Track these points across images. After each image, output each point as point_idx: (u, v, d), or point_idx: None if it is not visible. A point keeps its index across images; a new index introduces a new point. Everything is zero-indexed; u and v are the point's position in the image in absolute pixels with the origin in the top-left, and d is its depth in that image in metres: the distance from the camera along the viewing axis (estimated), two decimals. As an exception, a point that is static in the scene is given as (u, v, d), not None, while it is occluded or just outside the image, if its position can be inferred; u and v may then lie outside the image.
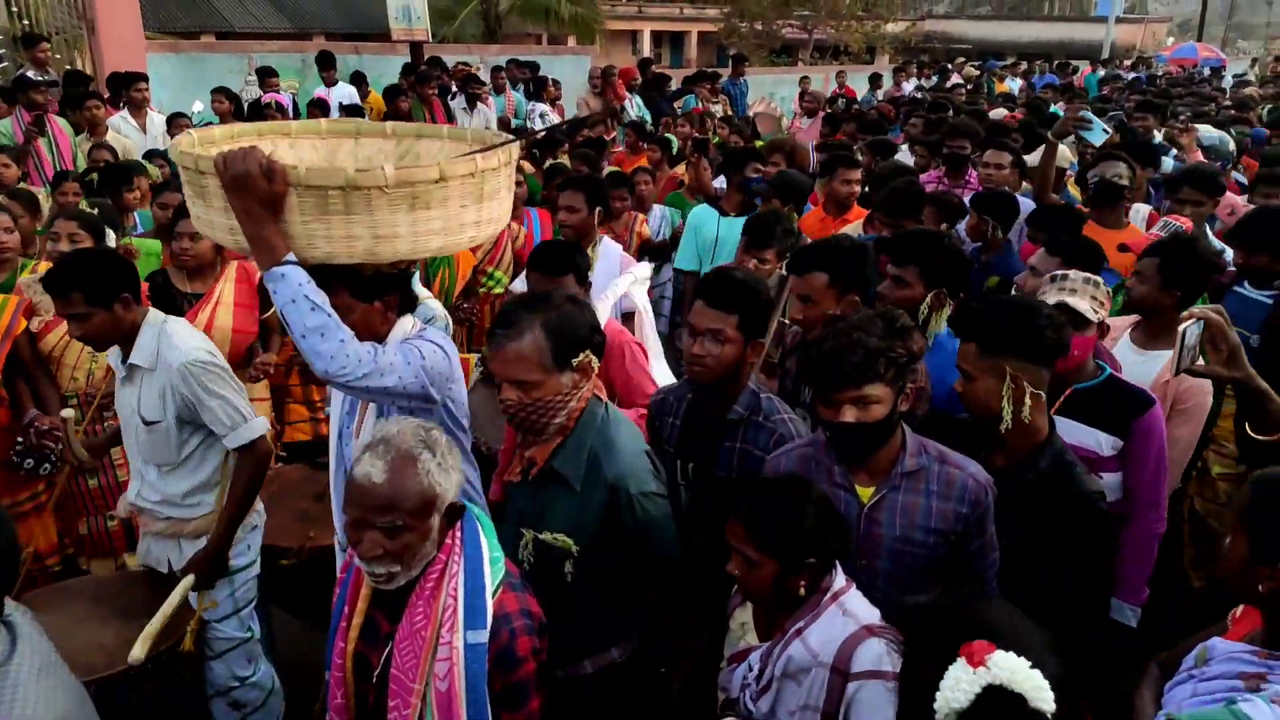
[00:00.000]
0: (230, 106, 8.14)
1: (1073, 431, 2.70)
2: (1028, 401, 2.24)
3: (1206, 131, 6.30)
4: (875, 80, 14.99)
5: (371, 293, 2.32)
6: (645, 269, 4.02)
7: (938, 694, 1.51)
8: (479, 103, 9.77)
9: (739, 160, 5.44)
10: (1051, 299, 2.71)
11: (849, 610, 1.95)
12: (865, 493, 2.19)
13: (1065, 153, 5.60)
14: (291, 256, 2.03)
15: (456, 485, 1.88)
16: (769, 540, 1.91)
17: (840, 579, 2.01)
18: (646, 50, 33.89)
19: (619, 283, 3.73)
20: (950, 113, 8.03)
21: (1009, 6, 49.85)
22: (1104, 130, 4.39)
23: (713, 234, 5.08)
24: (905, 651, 1.82)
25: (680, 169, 7.01)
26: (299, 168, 2.02)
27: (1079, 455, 2.59)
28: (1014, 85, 15.68)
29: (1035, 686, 1.20)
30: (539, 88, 11.50)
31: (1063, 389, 2.73)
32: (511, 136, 2.50)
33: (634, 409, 2.93)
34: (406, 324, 2.46)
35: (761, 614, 2.09)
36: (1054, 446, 2.35)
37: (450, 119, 9.11)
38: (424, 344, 2.34)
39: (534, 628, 1.88)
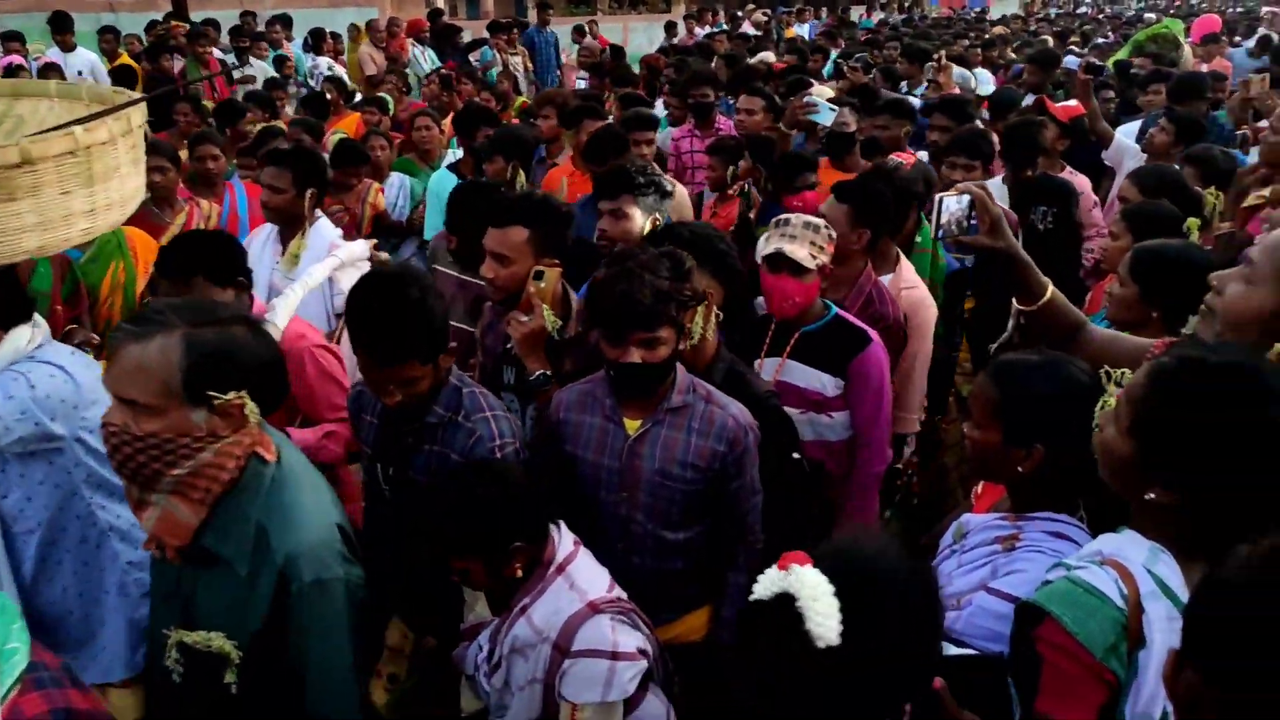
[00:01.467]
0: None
1: (800, 374, 2.77)
2: (709, 321, 2.37)
3: (956, 72, 6.64)
4: (670, 28, 15.09)
5: None
6: (355, 249, 3.40)
7: None
8: (250, 57, 9.09)
9: (472, 121, 5.16)
10: (770, 246, 2.75)
11: (575, 583, 1.93)
12: (632, 425, 2.21)
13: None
14: None
15: None
16: (460, 545, 1.88)
17: (566, 544, 1.99)
18: (440, 2, 32.74)
19: (313, 273, 3.12)
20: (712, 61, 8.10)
21: (798, -47, 51.37)
22: (831, 109, 4.48)
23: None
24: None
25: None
26: None
27: (808, 398, 2.75)
28: (802, 30, 16.23)
29: (818, 612, 1.11)
30: (317, 40, 10.85)
31: (792, 333, 2.79)
32: (135, 96, 2.16)
33: (320, 427, 2.70)
34: (18, 340, 2.00)
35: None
36: (723, 359, 2.48)
37: (230, 80, 8.43)
38: (34, 369, 1.94)
39: None
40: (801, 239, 2.69)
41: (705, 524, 2.26)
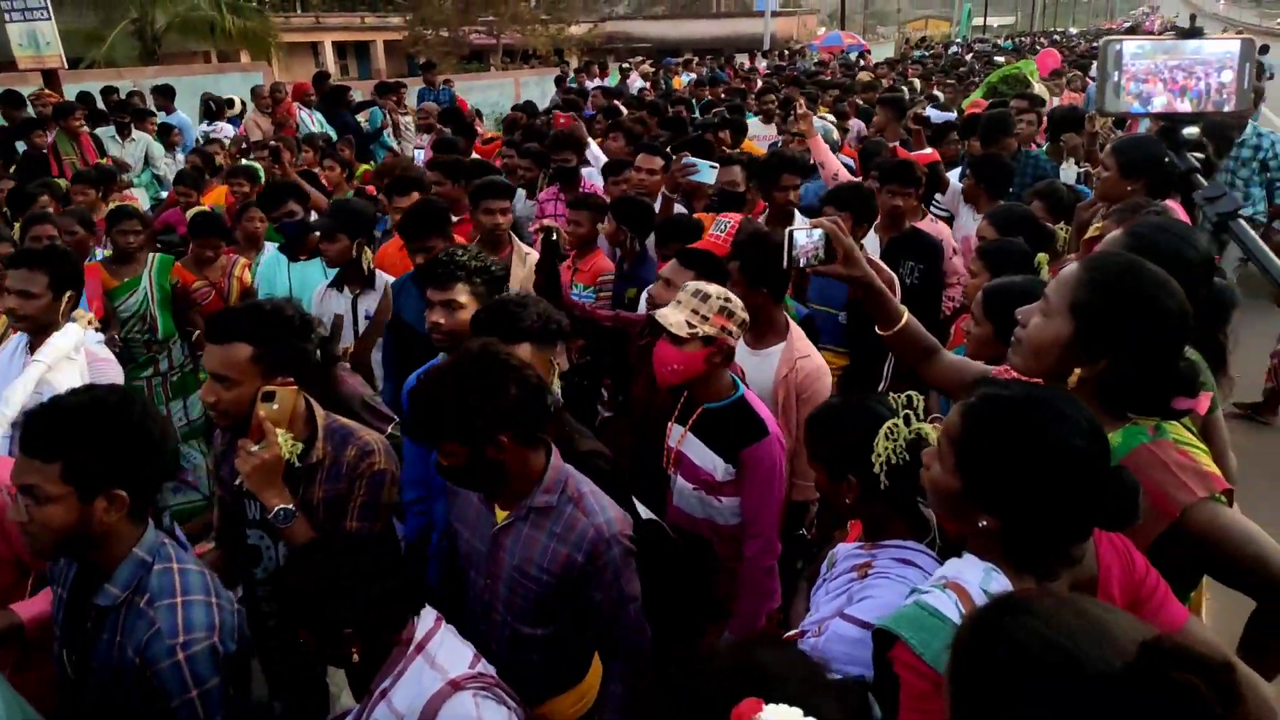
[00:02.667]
0: None
1: (697, 450, 2.70)
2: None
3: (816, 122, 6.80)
4: (559, 83, 15.41)
5: None
6: (63, 343, 3.05)
7: None
8: (134, 129, 8.91)
9: (278, 196, 4.79)
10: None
11: (436, 661, 1.89)
12: (501, 515, 2.18)
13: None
14: None
15: None
16: (300, 622, 1.87)
17: (427, 621, 1.97)
18: (330, 62, 32.53)
19: (9, 399, 2.73)
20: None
21: (681, 6, 53.05)
22: (711, 168, 4.50)
23: (285, 284, 4.42)
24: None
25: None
26: None
27: (699, 476, 2.71)
28: (689, 80, 16.74)
29: None
30: (218, 106, 10.71)
31: (698, 406, 2.71)
32: None
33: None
34: None
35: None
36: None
37: (102, 152, 8.23)
38: None
39: None
40: (684, 305, 2.62)
41: (564, 621, 2.20)
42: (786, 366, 3.07)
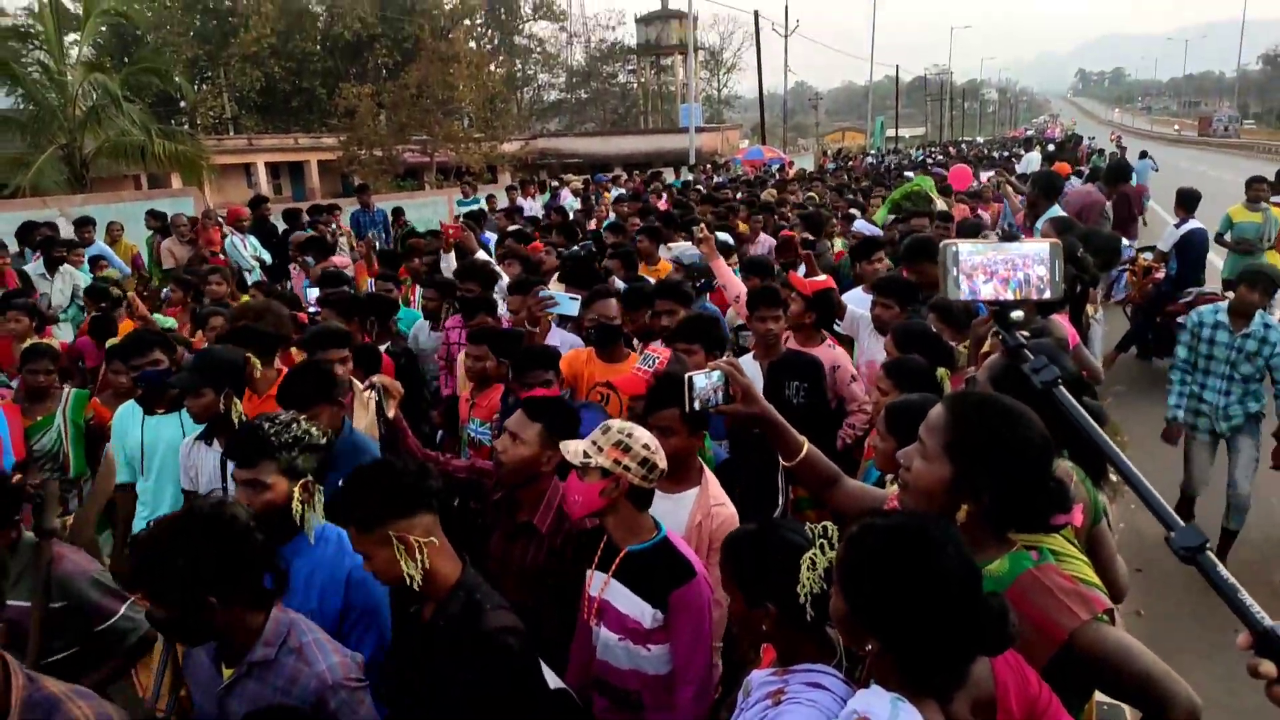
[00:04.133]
0: None
1: (622, 597, 2.60)
2: (422, 554, 2.24)
3: (682, 248, 6.58)
4: (491, 201, 15.75)
5: None
6: None
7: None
8: (63, 264, 8.79)
9: (142, 344, 4.33)
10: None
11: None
12: (227, 673, 2.17)
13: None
14: None
15: None
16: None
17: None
18: (263, 183, 32.80)
19: None
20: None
21: (610, 123, 55.21)
22: (571, 300, 4.46)
23: (136, 438, 4.01)
24: None
25: None
26: None
27: (626, 624, 2.56)
28: (617, 195, 17.27)
29: None
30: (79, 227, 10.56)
31: (619, 550, 2.62)
32: None
33: None
34: None
35: None
36: (464, 587, 2.33)
37: (29, 288, 8.07)
38: None
39: None
40: (586, 441, 2.61)
41: None
42: (701, 513, 3.00)
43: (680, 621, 2.52)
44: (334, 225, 11.52)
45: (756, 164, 28.20)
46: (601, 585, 2.65)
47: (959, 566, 1.52)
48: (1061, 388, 1.70)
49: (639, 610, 2.55)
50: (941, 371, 3.57)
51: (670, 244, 7.66)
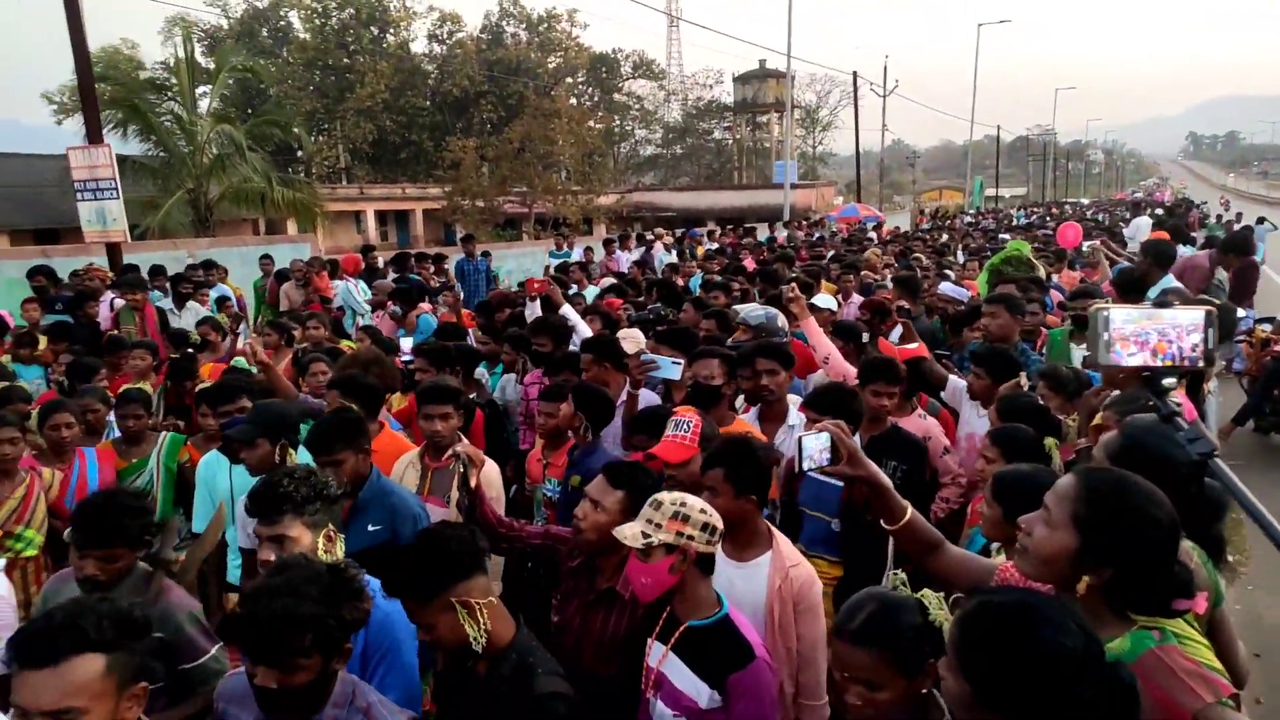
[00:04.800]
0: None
1: (679, 673, 2.48)
2: (484, 614, 2.26)
3: (748, 309, 6.20)
4: (589, 254, 16.03)
5: None
6: None
7: None
8: (190, 300, 9.42)
9: (227, 392, 4.47)
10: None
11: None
12: None
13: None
14: None
15: None
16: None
17: None
18: (371, 230, 34.20)
19: None
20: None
21: (705, 177, 55.89)
22: (675, 364, 4.32)
23: (225, 486, 4.12)
24: None
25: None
26: None
27: (681, 702, 2.47)
28: (713, 248, 17.38)
29: None
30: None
31: (680, 623, 2.51)
32: None
33: None
34: None
35: None
36: (517, 648, 2.33)
37: (165, 326, 8.64)
38: None
39: None
40: (640, 520, 2.50)
41: None
42: (779, 577, 2.89)
43: (739, 707, 2.40)
44: (438, 273, 11.94)
45: (851, 221, 28.09)
46: (660, 657, 2.54)
47: (1082, 640, 1.52)
48: (1217, 459, 1.68)
49: (695, 689, 2.44)
50: (1050, 442, 3.50)
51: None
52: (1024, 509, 2.67)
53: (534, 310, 7.63)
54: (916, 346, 5.12)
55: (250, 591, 1.99)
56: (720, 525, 2.53)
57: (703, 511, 2.49)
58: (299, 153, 35.28)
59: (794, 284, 5.53)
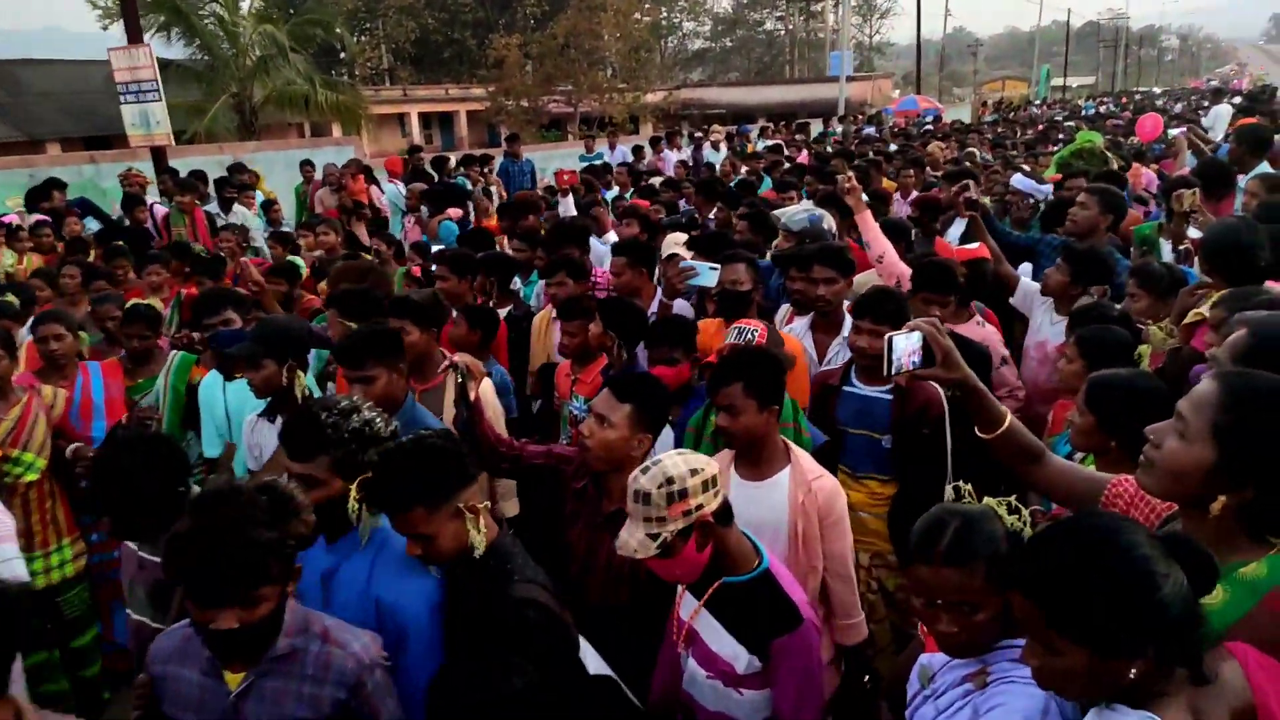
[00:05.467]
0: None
1: (713, 633, 2.27)
2: (483, 520, 2.21)
3: (791, 211, 5.67)
4: (638, 152, 15.65)
5: None
6: None
7: None
8: (236, 204, 9.37)
9: (212, 303, 4.19)
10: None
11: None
12: (234, 680, 1.93)
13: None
14: None
15: None
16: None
17: None
18: (415, 133, 33.82)
19: None
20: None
21: (755, 72, 54.03)
22: (712, 269, 4.02)
23: (221, 409, 3.92)
24: None
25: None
26: None
27: (716, 664, 2.27)
28: (763, 146, 16.85)
29: None
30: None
31: (711, 579, 2.26)
32: None
33: None
34: None
35: None
36: (499, 553, 2.26)
37: (213, 229, 8.61)
38: None
39: None
40: (635, 521, 2.14)
41: None
42: (801, 491, 2.70)
43: (784, 671, 2.21)
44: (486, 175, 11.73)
45: (909, 115, 26.99)
46: (693, 612, 2.31)
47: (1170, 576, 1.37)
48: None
49: (732, 652, 2.24)
50: (1144, 349, 3.25)
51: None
52: (1121, 417, 2.47)
53: (566, 207, 7.42)
54: (978, 247, 4.78)
55: (190, 531, 1.80)
56: (714, 469, 2.19)
57: (692, 472, 2.12)
58: (341, 54, 34.74)
59: (850, 174, 5.20)
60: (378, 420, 2.41)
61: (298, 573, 1.96)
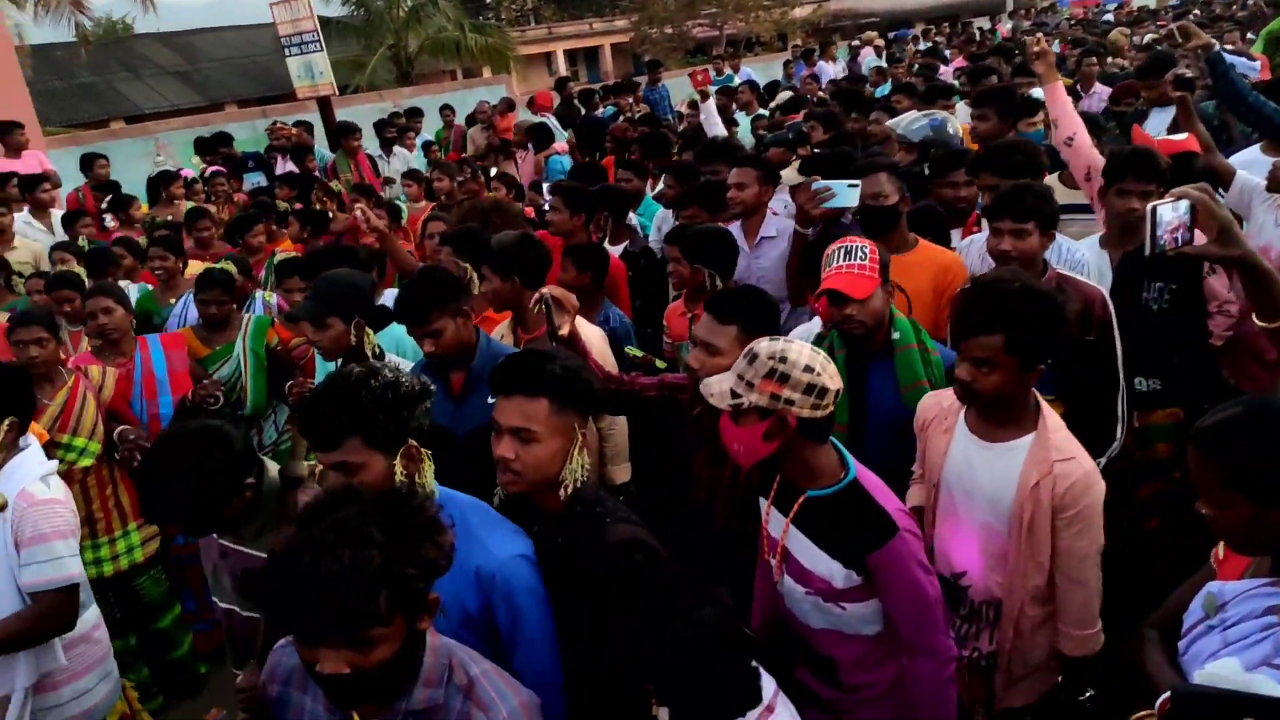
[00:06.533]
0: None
1: (805, 550, 2.12)
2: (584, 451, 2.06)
3: (907, 120, 5.08)
4: (789, 69, 15.03)
5: None
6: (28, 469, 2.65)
7: None
8: (396, 146, 9.62)
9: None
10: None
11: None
12: None
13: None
14: None
15: None
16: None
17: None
18: (562, 69, 33.96)
19: None
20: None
21: (910, -26, 50.65)
22: (852, 187, 3.49)
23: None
24: None
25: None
26: None
27: (813, 581, 2.11)
28: (925, 47, 15.81)
29: None
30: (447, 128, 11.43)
31: (795, 494, 2.12)
32: None
33: None
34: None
35: None
36: (584, 500, 2.05)
37: (376, 171, 8.94)
38: None
39: None
40: (732, 372, 2.07)
41: None
42: (1038, 471, 2.19)
43: (891, 586, 2.02)
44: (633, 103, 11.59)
45: (1089, 3, 24.63)
46: (782, 528, 2.16)
47: None
48: None
49: (827, 569, 2.07)
50: None
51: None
52: None
53: (709, 114, 7.08)
54: (1185, 138, 4.11)
55: (285, 551, 1.39)
56: (835, 385, 1.99)
57: (808, 370, 1.96)
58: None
59: (1040, 37, 4.42)
60: (404, 376, 2.04)
61: (434, 605, 1.52)
